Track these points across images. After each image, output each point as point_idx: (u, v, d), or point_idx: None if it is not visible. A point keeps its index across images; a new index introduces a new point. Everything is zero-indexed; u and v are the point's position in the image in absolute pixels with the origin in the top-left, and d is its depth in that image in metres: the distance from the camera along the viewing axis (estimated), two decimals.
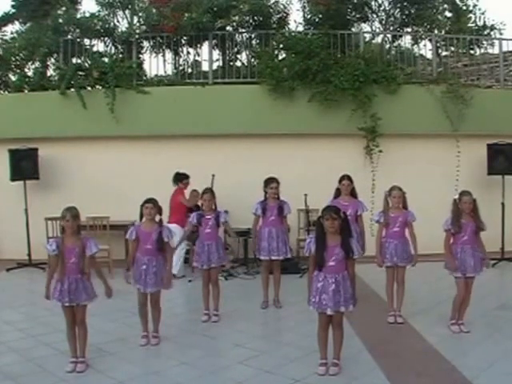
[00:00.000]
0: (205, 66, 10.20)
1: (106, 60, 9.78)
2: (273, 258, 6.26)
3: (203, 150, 9.18)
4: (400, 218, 5.59)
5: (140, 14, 10.29)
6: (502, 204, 8.63)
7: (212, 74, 9.78)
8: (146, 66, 10.28)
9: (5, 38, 10.37)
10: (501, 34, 10.72)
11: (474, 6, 10.92)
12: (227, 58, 10.35)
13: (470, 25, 10.79)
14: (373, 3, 10.96)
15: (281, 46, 9.89)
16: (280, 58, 9.96)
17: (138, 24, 10.19)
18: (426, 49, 10.75)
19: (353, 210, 6.08)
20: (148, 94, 9.20)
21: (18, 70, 10.12)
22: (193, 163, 8.86)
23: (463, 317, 5.27)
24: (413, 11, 10.84)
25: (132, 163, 9.17)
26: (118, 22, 10.50)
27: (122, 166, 9.19)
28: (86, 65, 9.81)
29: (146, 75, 10.10)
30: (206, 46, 10.10)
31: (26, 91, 9.71)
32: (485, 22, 10.84)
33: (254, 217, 6.34)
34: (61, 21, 10.05)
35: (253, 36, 10.46)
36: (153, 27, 9.81)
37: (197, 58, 10.43)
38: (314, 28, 10.39)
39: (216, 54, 10.40)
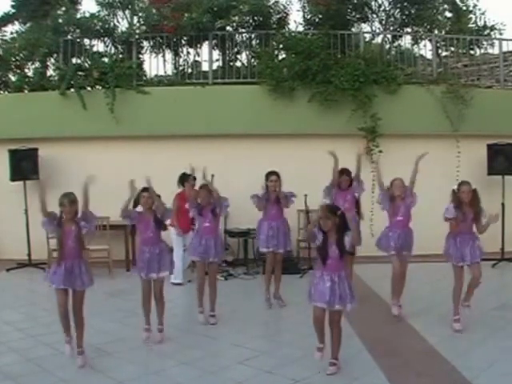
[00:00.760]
0: (205, 66, 10.20)
1: (106, 60, 9.78)
2: (274, 250, 6.25)
3: (203, 150, 9.16)
4: (402, 207, 5.62)
5: (140, 14, 10.28)
6: (502, 204, 8.62)
7: (212, 74, 9.78)
8: (146, 66, 10.29)
9: (5, 38, 10.37)
10: (501, 34, 10.71)
11: (474, 6, 10.92)
12: (227, 58, 10.35)
13: (470, 25, 10.78)
14: (373, 3, 10.95)
15: (281, 46, 9.89)
16: (280, 58, 9.96)
17: (137, 24, 10.18)
18: (426, 49, 10.76)
19: (351, 195, 6.35)
20: (148, 94, 9.20)
21: (18, 70, 10.11)
22: (193, 163, 8.85)
23: (470, 298, 5.24)
24: (413, 11, 10.83)
25: (132, 163, 9.14)
26: (117, 22, 10.49)
27: (122, 166, 9.17)
28: (86, 65, 9.81)
29: (145, 75, 10.10)
30: (205, 46, 10.10)
31: (26, 91, 9.70)
32: (485, 22, 10.84)
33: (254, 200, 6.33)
34: (61, 21, 10.05)
35: (253, 36, 10.46)
36: (153, 27, 9.81)
37: (197, 58, 10.43)
38: (314, 28, 10.38)
39: (216, 54, 10.40)
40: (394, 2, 10.79)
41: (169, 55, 10.42)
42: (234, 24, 10.39)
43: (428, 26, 11.00)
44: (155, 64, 10.18)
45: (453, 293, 5.27)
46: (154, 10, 9.99)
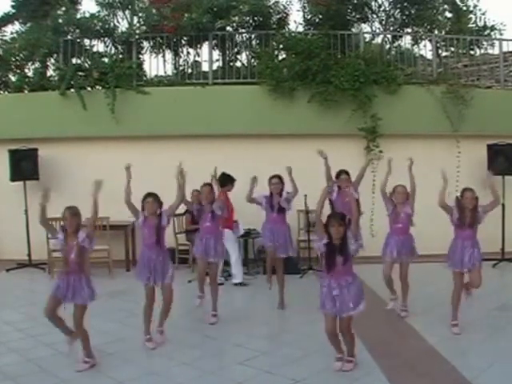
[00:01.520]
0: (205, 67, 10.20)
1: (106, 60, 9.79)
2: (275, 249, 6.26)
3: (203, 150, 9.17)
4: (402, 214, 5.65)
5: (140, 15, 10.29)
6: (502, 204, 8.59)
7: (212, 74, 9.78)
8: (146, 66, 10.29)
9: (5, 38, 10.38)
10: (501, 34, 10.72)
11: (475, 6, 10.92)
12: (227, 58, 10.35)
13: (470, 25, 10.78)
14: (373, 4, 10.96)
15: (281, 46, 9.90)
16: (280, 58, 9.97)
17: (137, 24, 10.18)
18: (426, 49, 10.76)
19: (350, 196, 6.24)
20: (148, 94, 9.20)
21: (18, 71, 10.11)
22: (193, 163, 8.80)
23: (471, 290, 5.29)
24: (413, 12, 10.83)
25: (132, 163, 9.14)
26: (117, 22, 10.50)
27: (122, 167, 9.16)
28: (86, 65, 9.81)
29: (146, 75, 10.09)
30: (205, 46, 10.10)
31: (26, 91, 9.71)
32: (485, 22, 10.84)
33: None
34: (61, 21, 10.05)
35: (253, 36, 10.46)
36: (153, 27, 9.81)
37: (197, 58, 10.44)
38: (314, 28, 10.39)
39: (216, 54, 10.40)
40: (394, 2, 10.79)
41: (169, 55, 10.44)
42: (234, 24, 10.40)
43: (428, 27, 11.01)
44: (155, 64, 10.21)
45: (452, 301, 5.27)
46: (154, 10, 9.99)
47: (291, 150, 9.26)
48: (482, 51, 10.56)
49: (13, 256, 8.87)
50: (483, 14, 10.85)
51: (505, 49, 10.01)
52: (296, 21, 11.04)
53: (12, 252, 8.99)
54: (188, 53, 10.46)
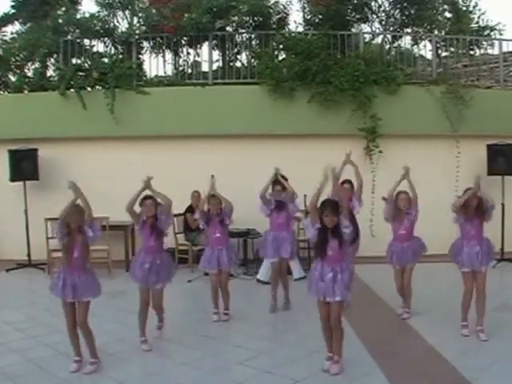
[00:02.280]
0: (205, 67, 10.20)
1: (106, 60, 9.79)
2: (282, 255, 6.21)
3: (203, 151, 9.18)
4: (405, 220, 5.62)
5: (140, 15, 10.29)
6: (502, 205, 8.63)
7: (212, 74, 9.78)
8: (145, 66, 10.29)
9: (5, 38, 10.36)
10: (501, 34, 10.72)
11: (474, 6, 10.92)
12: (227, 58, 10.35)
13: (472, 25, 10.77)
14: (373, 4, 10.95)
15: (281, 46, 9.90)
16: (280, 58, 9.97)
17: (137, 24, 10.18)
18: (425, 49, 10.76)
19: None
20: (148, 94, 9.20)
21: (18, 71, 10.11)
22: (192, 163, 8.87)
23: (482, 322, 5.05)
24: (413, 12, 10.83)
25: (132, 163, 9.15)
26: (117, 22, 10.50)
27: (122, 167, 9.18)
28: (86, 65, 9.81)
29: (145, 76, 10.09)
30: (205, 46, 10.10)
31: (26, 91, 9.71)
32: (486, 22, 10.84)
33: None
34: (61, 21, 10.05)
35: (253, 36, 10.46)
36: (153, 28, 9.81)
37: (197, 58, 10.44)
38: (313, 28, 10.39)
39: (216, 54, 10.41)
40: (394, 2, 10.79)
41: (169, 55, 10.44)
42: (234, 24, 10.40)
43: (428, 27, 11.01)
44: (155, 64, 10.21)
45: (462, 303, 5.20)
46: (153, 11, 10.00)
47: (291, 150, 9.27)
48: (482, 51, 10.56)
49: (12, 256, 8.88)
50: (482, 14, 10.86)
51: (504, 49, 10.02)
52: (296, 21, 11.07)
53: (12, 252, 8.99)
54: (188, 53, 10.46)
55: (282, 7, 10.64)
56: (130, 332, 5.32)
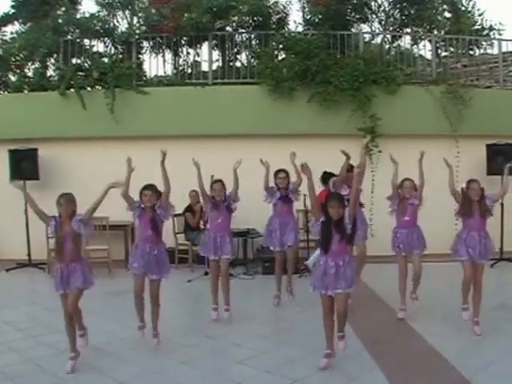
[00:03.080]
0: (204, 67, 10.21)
1: (106, 60, 9.81)
2: (288, 244, 6.24)
3: (203, 151, 9.16)
4: (409, 207, 5.63)
5: (140, 15, 10.30)
6: (501, 204, 8.63)
7: (212, 74, 9.79)
8: (145, 66, 10.32)
9: (5, 38, 10.38)
10: (500, 34, 10.73)
11: (474, 6, 10.92)
12: (227, 58, 10.36)
13: (471, 25, 10.77)
14: (372, 4, 10.96)
15: (280, 46, 9.91)
16: (280, 58, 9.98)
17: (137, 24, 10.20)
18: (425, 49, 10.76)
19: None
20: (148, 94, 9.21)
21: (18, 71, 10.13)
22: (192, 163, 8.83)
23: (478, 314, 5.15)
24: (412, 12, 10.84)
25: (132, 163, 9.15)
26: (117, 22, 10.52)
27: (122, 167, 9.16)
28: (86, 65, 9.83)
29: (145, 75, 10.11)
30: (205, 46, 10.11)
31: (26, 91, 9.72)
32: (486, 22, 10.85)
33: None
34: (60, 21, 10.06)
35: (252, 36, 10.47)
36: (152, 27, 9.83)
37: (196, 58, 10.45)
38: (313, 28, 10.39)
39: (216, 54, 10.42)
40: (394, 2, 10.80)
41: (168, 55, 10.45)
42: (234, 24, 10.41)
43: (427, 27, 11.02)
44: (155, 64, 10.23)
45: (461, 287, 5.22)
46: (153, 11, 10.01)
47: (291, 149, 9.24)
48: (482, 51, 10.58)
49: (13, 256, 8.88)
50: (481, 14, 10.86)
51: (504, 49, 10.03)
52: (295, 21, 11.09)
53: (12, 252, 8.99)
54: (188, 53, 10.48)
55: (281, 7, 10.66)
56: (130, 332, 5.32)
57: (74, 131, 9.18)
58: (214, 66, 10.26)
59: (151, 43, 10.16)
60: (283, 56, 9.99)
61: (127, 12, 10.53)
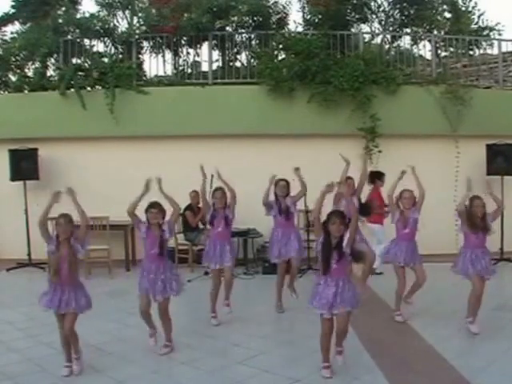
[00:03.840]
0: (204, 67, 10.21)
1: (106, 60, 9.81)
2: (292, 255, 6.19)
3: (203, 151, 9.18)
4: (410, 219, 5.61)
5: (140, 15, 10.31)
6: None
7: (212, 74, 9.79)
8: (145, 66, 10.32)
9: (5, 38, 10.40)
10: (500, 34, 10.74)
11: (474, 6, 10.93)
12: (227, 58, 10.36)
13: (471, 25, 10.78)
14: (372, 4, 10.97)
15: (280, 46, 9.92)
16: (279, 58, 9.98)
17: (137, 24, 10.20)
18: (425, 49, 10.76)
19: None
20: (148, 94, 9.22)
21: (18, 70, 10.14)
22: (192, 163, 8.82)
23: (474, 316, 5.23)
24: (412, 12, 10.84)
25: (132, 163, 9.17)
26: (117, 22, 10.54)
27: (122, 166, 9.20)
28: (86, 65, 9.84)
29: (145, 75, 10.12)
30: (205, 46, 10.12)
31: (26, 91, 9.72)
32: (486, 23, 10.85)
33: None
34: (61, 21, 10.08)
35: (252, 36, 10.47)
36: (152, 28, 9.83)
37: (196, 58, 10.45)
38: (313, 28, 10.39)
39: (216, 54, 10.42)
40: (394, 2, 10.81)
41: (168, 55, 10.45)
42: (234, 24, 10.42)
43: (427, 27, 11.03)
44: (155, 64, 10.24)
45: (468, 300, 5.24)
46: (153, 11, 10.02)
47: (291, 149, 9.27)
48: (481, 51, 10.58)
49: (13, 256, 8.89)
50: (481, 14, 10.87)
51: (504, 49, 10.03)
52: (295, 21, 11.11)
53: (12, 252, 9.00)
54: (188, 53, 10.48)
55: (281, 7, 10.66)
56: (130, 332, 5.34)
57: (74, 131, 9.19)
58: (214, 66, 10.27)
59: (151, 43, 10.16)
60: (283, 56, 10.00)
61: (127, 12, 10.55)
